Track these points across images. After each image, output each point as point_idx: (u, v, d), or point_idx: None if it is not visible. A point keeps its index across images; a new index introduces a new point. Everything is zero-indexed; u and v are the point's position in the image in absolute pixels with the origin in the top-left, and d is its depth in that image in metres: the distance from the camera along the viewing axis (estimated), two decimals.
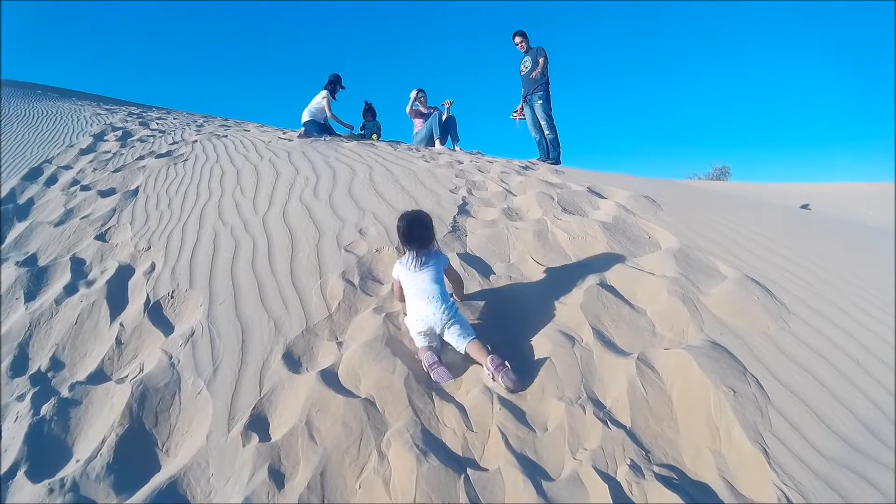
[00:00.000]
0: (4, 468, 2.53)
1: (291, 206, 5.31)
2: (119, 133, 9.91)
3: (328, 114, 9.99)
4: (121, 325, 3.55)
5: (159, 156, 8.00)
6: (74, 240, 5.01)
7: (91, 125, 10.77)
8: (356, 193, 5.54)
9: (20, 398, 3.02)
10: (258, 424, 2.64)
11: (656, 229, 4.31)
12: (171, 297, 3.82)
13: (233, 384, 2.91)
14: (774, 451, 2.15)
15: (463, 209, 5.02)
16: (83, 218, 5.48)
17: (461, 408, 2.61)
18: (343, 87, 10.26)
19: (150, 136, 9.80)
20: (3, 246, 4.98)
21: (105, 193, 6.26)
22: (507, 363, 2.76)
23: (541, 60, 9.30)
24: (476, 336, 3.01)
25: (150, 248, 4.65)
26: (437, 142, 9.96)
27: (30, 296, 4.07)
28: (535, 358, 2.90)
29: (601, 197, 5.34)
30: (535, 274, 3.77)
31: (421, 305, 3.06)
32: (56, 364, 3.34)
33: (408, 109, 10.66)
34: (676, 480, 2.12)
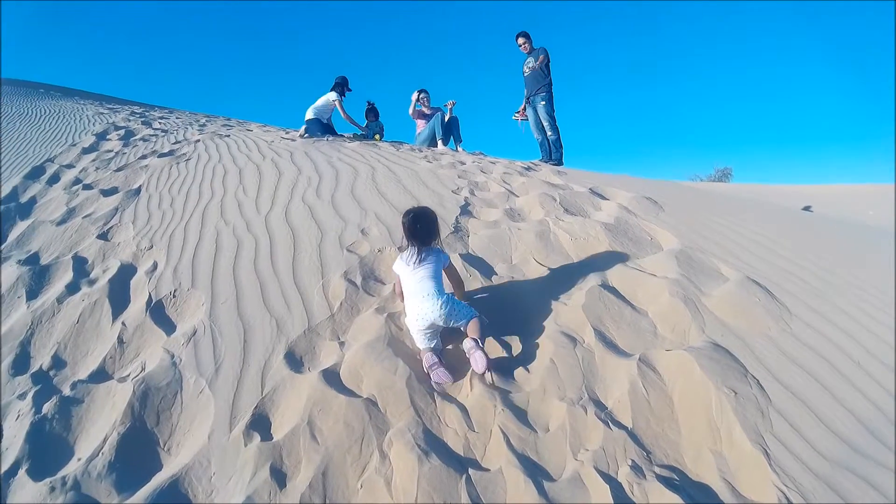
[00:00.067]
0: (6, 466, 2.53)
1: (294, 205, 5.31)
2: (122, 132, 9.93)
3: (342, 114, 10.02)
4: (123, 323, 3.55)
5: (162, 155, 8.01)
6: (76, 238, 5.02)
7: (93, 124, 10.79)
8: (359, 194, 5.55)
9: (22, 396, 3.02)
10: (260, 424, 2.64)
11: (658, 230, 4.31)
12: (174, 297, 3.82)
13: (235, 383, 2.92)
14: (775, 452, 2.16)
15: (465, 210, 5.02)
16: (85, 217, 5.49)
17: (463, 408, 2.62)
18: (350, 90, 10.27)
19: (152, 135, 9.81)
20: (5, 244, 4.99)
21: (107, 192, 6.26)
22: (484, 350, 2.87)
23: (541, 57, 9.33)
24: (479, 315, 3.10)
25: (152, 247, 4.66)
26: (439, 142, 9.96)
27: (31, 294, 4.07)
28: (537, 358, 2.91)
29: (603, 198, 5.34)
30: (537, 274, 3.77)
31: (416, 303, 3.07)
32: (58, 362, 3.34)
33: (410, 111, 10.67)
34: (677, 481, 2.13)
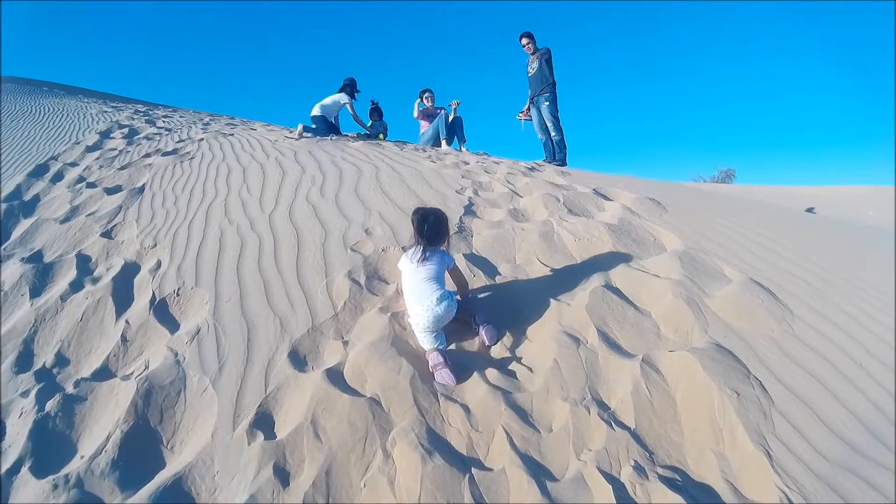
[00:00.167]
0: (9, 464, 2.54)
1: (298, 205, 5.32)
2: (125, 131, 9.93)
3: (353, 117, 10.07)
4: (126, 322, 3.56)
5: (165, 153, 8.02)
6: (80, 237, 5.03)
7: (97, 122, 10.80)
8: (362, 193, 5.55)
9: (25, 394, 3.03)
10: (263, 422, 2.65)
11: (661, 231, 4.31)
12: (177, 295, 3.83)
13: (238, 382, 2.92)
14: (777, 453, 2.16)
15: (469, 210, 5.02)
16: (89, 215, 5.50)
17: (466, 408, 2.62)
18: (358, 91, 10.28)
19: (156, 133, 9.82)
20: (8, 242, 5.00)
21: (111, 191, 6.27)
22: (490, 322, 3.22)
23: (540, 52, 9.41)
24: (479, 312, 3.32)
25: (156, 245, 4.67)
26: (443, 142, 9.95)
27: (35, 292, 4.08)
28: (541, 359, 2.91)
29: (607, 199, 5.34)
30: (541, 275, 3.77)
31: (416, 303, 3.12)
32: (61, 360, 3.35)
33: (415, 114, 10.67)
34: (680, 482, 2.13)
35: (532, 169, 7.17)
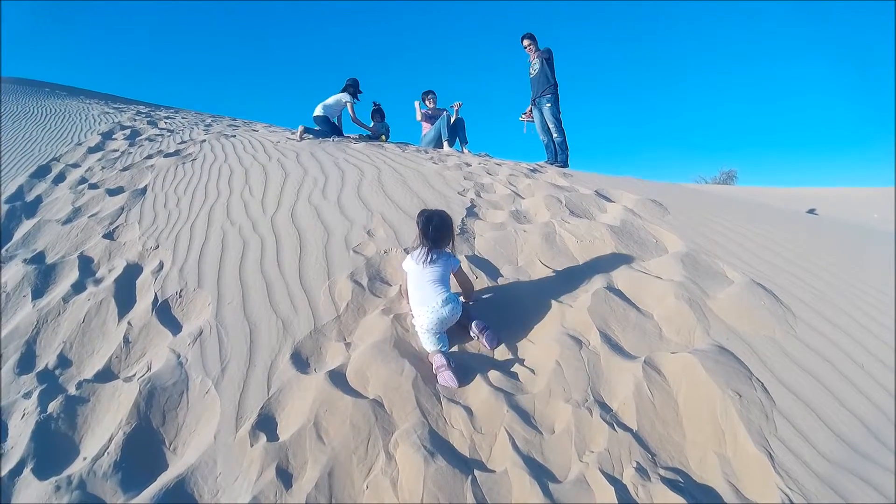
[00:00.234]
0: (11, 465, 2.54)
1: (300, 206, 5.32)
2: (127, 132, 9.95)
3: (352, 116, 10.05)
4: (129, 323, 3.57)
5: (168, 155, 8.03)
6: (82, 238, 5.04)
7: (99, 123, 10.82)
8: (364, 195, 5.55)
9: (27, 395, 3.03)
10: (266, 424, 2.65)
11: (663, 233, 4.31)
12: (180, 297, 3.84)
13: (241, 384, 2.93)
14: (779, 454, 2.16)
15: (471, 211, 5.02)
16: (91, 216, 5.51)
17: (468, 409, 2.62)
18: (361, 92, 10.28)
19: (158, 135, 9.84)
20: (10, 243, 5.01)
21: (113, 192, 6.28)
22: (489, 328, 3.21)
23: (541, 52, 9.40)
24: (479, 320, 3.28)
25: (158, 246, 4.68)
26: (445, 143, 9.96)
27: (37, 293, 4.09)
28: (543, 360, 2.91)
29: (609, 200, 5.35)
30: (543, 276, 3.77)
31: (422, 310, 3.11)
32: (63, 362, 3.35)
33: (418, 116, 10.68)
34: (682, 483, 2.13)
35: (534, 170, 7.18)
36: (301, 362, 3.07)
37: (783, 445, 2.20)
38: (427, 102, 10.64)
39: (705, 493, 2.10)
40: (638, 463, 2.22)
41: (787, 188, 21.96)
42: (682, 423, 2.43)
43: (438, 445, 2.39)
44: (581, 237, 4.21)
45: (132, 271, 4.28)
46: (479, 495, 2.16)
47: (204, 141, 9.17)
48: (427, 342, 3.06)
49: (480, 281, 3.72)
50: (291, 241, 4.49)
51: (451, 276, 3.36)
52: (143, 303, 3.81)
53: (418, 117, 10.67)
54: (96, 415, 2.87)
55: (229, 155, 7.97)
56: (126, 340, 3.41)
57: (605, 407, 2.53)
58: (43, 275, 4.33)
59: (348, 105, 10.00)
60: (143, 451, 2.60)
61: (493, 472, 2.29)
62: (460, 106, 10.36)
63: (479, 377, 2.82)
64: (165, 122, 11.67)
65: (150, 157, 7.94)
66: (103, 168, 7.35)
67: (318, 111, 9.91)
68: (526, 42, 9.61)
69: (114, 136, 9.50)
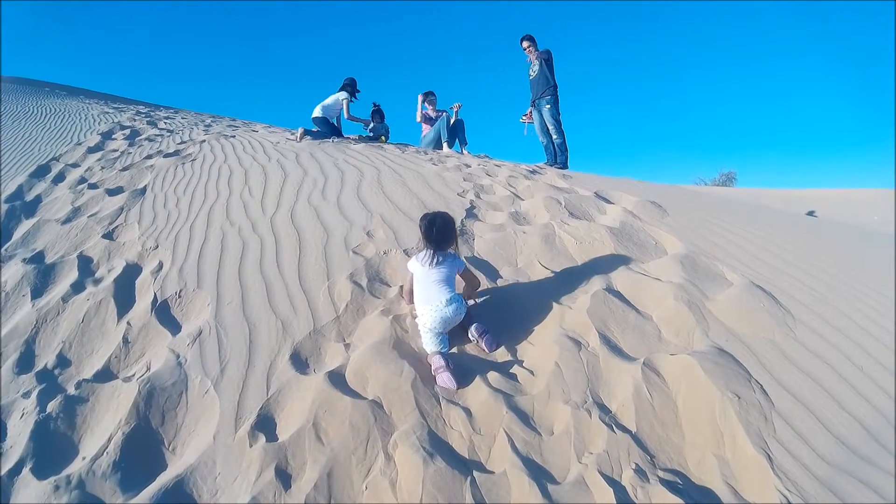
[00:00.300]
0: (10, 465, 2.54)
1: (299, 207, 5.32)
2: (127, 132, 9.96)
3: (346, 114, 10.04)
4: (128, 323, 3.57)
5: (167, 155, 8.04)
6: (82, 238, 5.04)
7: (99, 123, 10.82)
8: (364, 195, 5.56)
9: (26, 395, 3.03)
10: (265, 424, 2.65)
11: (663, 235, 4.31)
12: (179, 297, 3.84)
13: (240, 384, 2.93)
14: (778, 456, 2.16)
15: (471, 213, 5.03)
16: (91, 216, 5.51)
17: (467, 411, 2.62)
18: (359, 91, 10.27)
19: (158, 135, 9.85)
20: (10, 242, 5.01)
21: (113, 192, 6.29)
22: (489, 331, 3.20)
23: (540, 53, 9.41)
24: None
25: (157, 247, 4.68)
26: (444, 145, 9.96)
27: (37, 293, 4.09)
28: (542, 362, 2.91)
29: (608, 202, 5.35)
30: (542, 278, 3.77)
31: (426, 309, 3.12)
32: (62, 361, 3.35)
33: (418, 117, 10.68)
34: (681, 485, 2.13)
35: (533, 172, 7.18)
36: (300, 363, 3.07)
37: (782, 447, 2.20)
38: (426, 104, 10.63)
39: (704, 495, 2.10)
40: (637, 464, 2.22)
41: (787, 190, 21.97)
42: (681, 424, 2.43)
43: (437, 446, 2.39)
44: (580, 239, 4.21)
45: (131, 271, 4.28)
46: (478, 496, 2.16)
47: (204, 141, 9.18)
48: (428, 342, 3.06)
49: (480, 282, 3.72)
50: (291, 242, 4.49)
51: (458, 277, 3.36)
52: (143, 303, 3.81)
53: (418, 116, 10.66)
54: (95, 415, 2.87)
55: (229, 155, 7.98)
56: (125, 340, 3.41)
57: (604, 408, 2.53)
58: (42, 274, 4.33)
59: (343, 102, 9.99)
60: (142, 451, 2.60)
61: (492, 473, 2.29)
62: (460, 107, 10.37)
63: (478, 378, 2.82)
64: (165, 123, 11.68)
65: (149, 157, 7.95)
66: (103, 168, 7.36)
67: (317, 112, 9.91)
68: (525, 44, 9.62)
69: (113, 136, 9.51)
